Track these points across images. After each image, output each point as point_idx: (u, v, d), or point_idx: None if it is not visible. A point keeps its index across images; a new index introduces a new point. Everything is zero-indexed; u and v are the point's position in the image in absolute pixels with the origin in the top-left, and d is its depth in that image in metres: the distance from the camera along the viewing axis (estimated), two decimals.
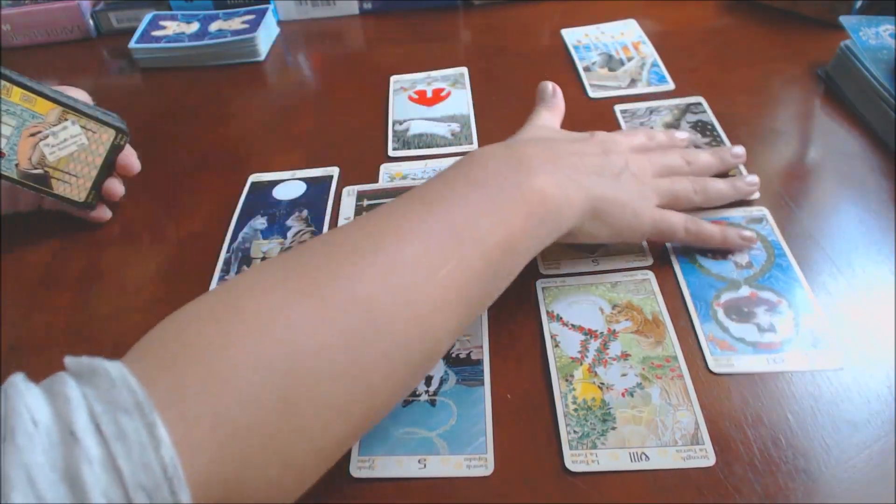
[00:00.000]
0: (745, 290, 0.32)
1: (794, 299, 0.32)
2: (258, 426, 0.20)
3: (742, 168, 0.39)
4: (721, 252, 0.34)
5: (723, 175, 0.37)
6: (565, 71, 0.51)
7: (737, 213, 0.36)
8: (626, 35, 0.54)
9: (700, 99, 0.45)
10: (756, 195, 0.37)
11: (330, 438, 0.22)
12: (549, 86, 0.38)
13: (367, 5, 0.62)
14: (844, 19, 0.45)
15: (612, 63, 0.51)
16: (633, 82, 0.48)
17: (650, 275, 0.34)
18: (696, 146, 0.40)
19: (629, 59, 0.51)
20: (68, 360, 0.20)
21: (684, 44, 0.52)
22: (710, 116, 0.43)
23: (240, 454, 0.19)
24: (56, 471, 0.16)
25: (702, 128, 0.42)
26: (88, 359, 0.20)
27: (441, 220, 0.26)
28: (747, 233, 0.34)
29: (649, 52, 0.51)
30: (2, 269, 0.40)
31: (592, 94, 0.48)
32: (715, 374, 0.29)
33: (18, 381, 0.18)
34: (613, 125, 0.45)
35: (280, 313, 0.22)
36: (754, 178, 0.36)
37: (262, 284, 0.23)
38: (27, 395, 0.18)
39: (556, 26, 0.56)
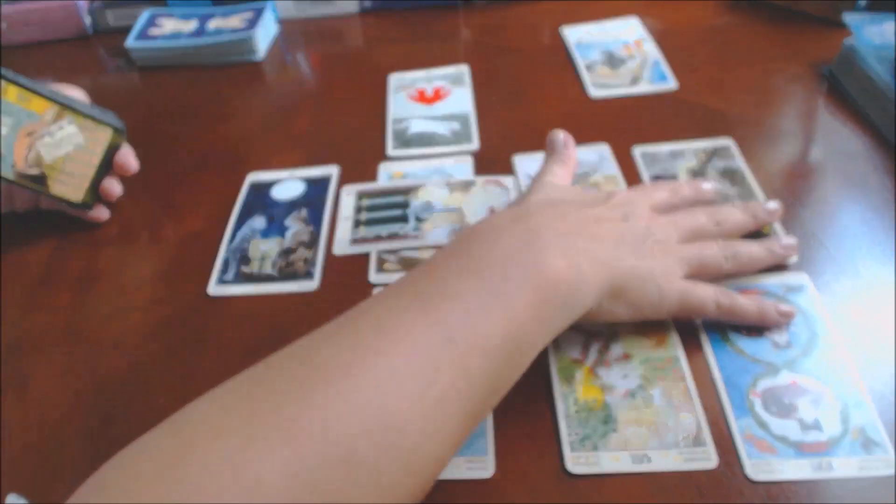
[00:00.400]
0: (784, 377, 0.28)
1: (841, 388, 0.28)
2: None
3: (777, 227, 0.35)
4: (756, 328, 0.30)
5: (755, 234, 0.33)
6: (566, 69, 0.51)
7: (773, 281, 0.32)
8: (627, 33, 0.53)
9: (729, 142, 0.40)
10: (794, 258, 0.33)
11: None
12: (561, 136, 0.35)
13: (367, 3, 0.62)
14: (848, 17, 0.45)
15: (613, 61, 0.51)
16: (634, 81, 0.48)
17: None
18: (725, 196, 0.36)
19: (631, 58, 0.51)
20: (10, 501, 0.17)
21: (686, 42, 0.52)
22: (740, 162, 0.39)
23: None
24: None
25: (731, 175, 0.38)
26: None
27: (434, 323, 0.22)
28: (785, 307, 0.30)
29: (651, 50, 0.51)
30: (1, 269, 0.40)
31: (594, 92, 0.48)
32: (753, 481, 0.25)
33: None
34: (613, 125, 0.44)
35: (236, 465, 0.18)
36: (791, 241, 0.32)
37: (217, 422, 0.20)
38: None
39: (556, 24, 0.56)
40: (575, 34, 0.54)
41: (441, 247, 0.27)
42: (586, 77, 0.49)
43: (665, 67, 0.49)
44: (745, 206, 0.33)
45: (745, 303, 0.30)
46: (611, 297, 0.27)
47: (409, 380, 0.21)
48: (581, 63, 0.51)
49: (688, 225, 0.31)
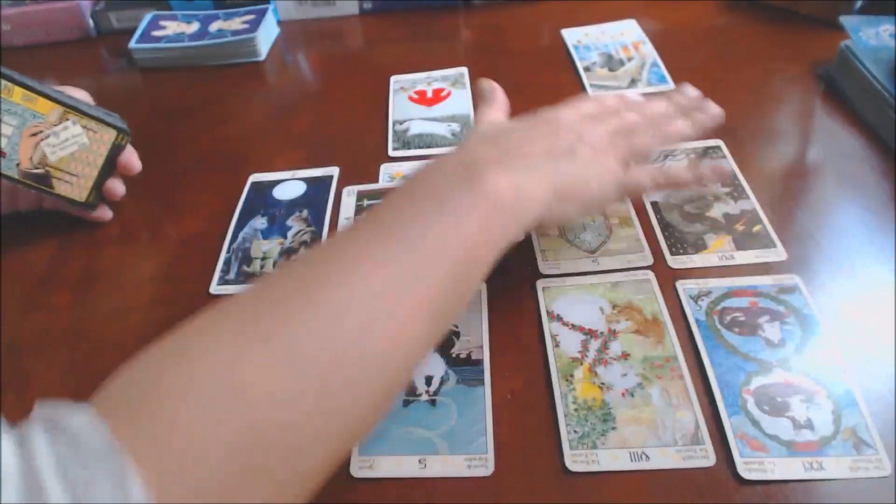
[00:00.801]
0: (778, 375, 0.29)
1: (834, 388, 0.28)
2: (223, 474, 0.19)
3: (768, 226, 0.35)
4: (748, 325, 0.31)
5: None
6: (565, 71, 0.51)
7: (766, 281, 0.33)
8: (626, 35, 0.54)
9: (719, 143, 0.41)
10: (719, 119, 0.34)
11: (298, 475, 0.22)
12: (486, 83, 0.37)
13: (367, 5, 0.62)
14: (844, 19, 0.45)
15: (612, 63, 0.51)
16: (633, 82, 0.48)
17: (650, 275, 0.34)
18: (715, 194, 0.37)
19: (629, 59, 0.51)
20: (38, 409, 0.19)
21: (685, 43, 0.52)
22: (730, 162, 0.40)
23: (215, 499, 0.19)
24: None
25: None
26: (58, 409, 0.19)
27: (393, 242, 0.25)
28: (718, 165, 0.34)
29: (649, 51, 0.51)
30: (1, 269, 0.40)
31: (592, 94, 0.48)
32: (745, 480, 0.25)
33: None
34: None
35: (233, 364, 0.21)
36: (715, 111, 0.34)
37: (216, 330, 0.23)
38: None
39: (556, 26, 0.56)
40: (574, 36, 0.55)
41: (395, 186, 0.29)
42: (585, 78, 0.49)
43: (663, 68, 0.49)
44: (665, 96, 0.36)
45: (680, 170, 0.33)
46: (558, 201, 0.29)
47: (376, 294, 0.23)
48: (580, 65, 0.51)
49: (616, 124, 0.33)
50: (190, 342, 0.22)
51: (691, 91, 0.36)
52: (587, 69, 0.50)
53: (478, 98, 0.37)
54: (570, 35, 0.55)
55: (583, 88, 0.49)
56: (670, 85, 0.48)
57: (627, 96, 0.36)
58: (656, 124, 0.33)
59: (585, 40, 0.54)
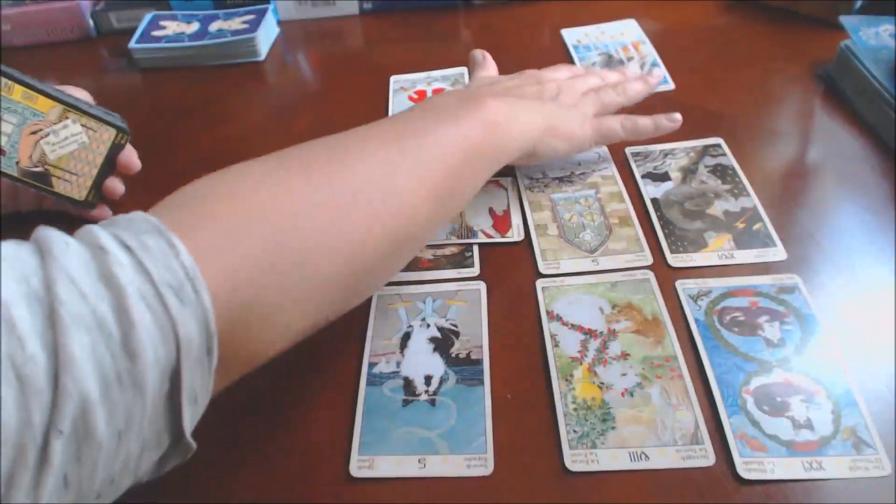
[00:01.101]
0: (777, 374, 0.29)
1: (833, 388, 0.28)
2: (260, 260, 0.23)
3: (769, 225, 0.35)
4: (748, 325, 0.31)
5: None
6: None
7: (766, 281, 0.33)
8: (626, 35, 0.54)
9: (719, 140, 0.41)
10: (667, 83, 0.46)
11: (319, 277, 0.25)
12: (479, 54, 0.44)
13: (367, 5, 0.62)
14: (844, 19, 0.45)
15: (612, 63, 0.51)
16: None
17: (650, 274, 0.34)
18: (715, 192, 0.38)
19: (629, 59, 0.51)
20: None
21: (684, 43, 0.52)
22: (731, 159, 0.40)
23: (245, 280, 0.22)
24: (92, 274, 0.19)
25: (721, 172, 0.39)
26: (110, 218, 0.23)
27: (405, 136, 0.30)
28: (673, 114, 0.39)
29: (649, 51, 0.51)
30: None
31: None
32: (745, 480, 0.25)
33: (44, 227, 0.21)
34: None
35: (277, 182, 0.26)
36: (659, 73, 0.47)
37: (260, 164, 0.27)
38: (55, 231, 0.20)
39: (556, 26, 0.56)
40: (573, 36, 0.55)
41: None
42: None
43: (663, 68, 0.49)
44: (619, 71, 0.44)
45: (644, 120, 0.39)
46: (548, 136, 0.36)
47: (387, 169, 0.28)
48: (580, 65, 0.51)
49: (585, 83, 0.41)
50: (234, 171, 0.26)
51: (633, 66, 0.46)
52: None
53: (472, 68, 0.44)
54: (570, 35, 0.55)
55: None
56: (670, 85, 0.48)
57: (590, 68, 0.46)
58: (618, 85, 0.41)
59: (585, 40, 0.54)
